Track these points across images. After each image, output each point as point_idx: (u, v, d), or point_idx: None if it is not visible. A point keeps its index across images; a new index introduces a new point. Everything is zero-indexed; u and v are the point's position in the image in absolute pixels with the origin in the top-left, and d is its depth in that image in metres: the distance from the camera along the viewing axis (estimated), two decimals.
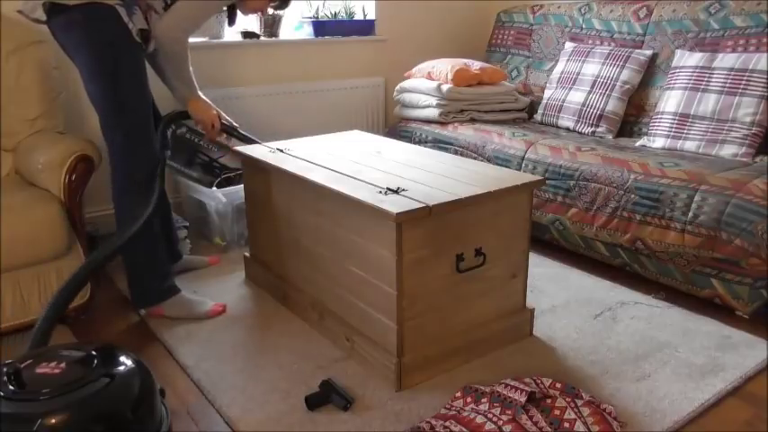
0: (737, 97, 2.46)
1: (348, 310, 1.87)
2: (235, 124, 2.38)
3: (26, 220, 1.92)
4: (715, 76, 2.55)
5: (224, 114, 2.34)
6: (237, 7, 2.19)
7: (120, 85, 1.93)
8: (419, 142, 3.18)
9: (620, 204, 2.31)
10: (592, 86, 3.00)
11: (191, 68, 2.16)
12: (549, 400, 1.58)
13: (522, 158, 2.70)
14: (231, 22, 2.27)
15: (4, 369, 1.34)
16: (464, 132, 3.04)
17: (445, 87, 3.14)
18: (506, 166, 2.66)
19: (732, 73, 2.50)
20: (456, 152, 2.98)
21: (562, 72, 3.18)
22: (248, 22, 3.25)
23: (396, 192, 1.69)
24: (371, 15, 3.63)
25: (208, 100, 2.29)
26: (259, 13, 2.26)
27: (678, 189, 2.16)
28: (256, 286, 2.37)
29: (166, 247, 2.40)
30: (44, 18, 1.94)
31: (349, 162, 2.03)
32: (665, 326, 2.05)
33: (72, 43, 1.94)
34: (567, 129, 3.07)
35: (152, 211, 2.03)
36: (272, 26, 3.25)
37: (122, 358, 1.44)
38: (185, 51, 2.09)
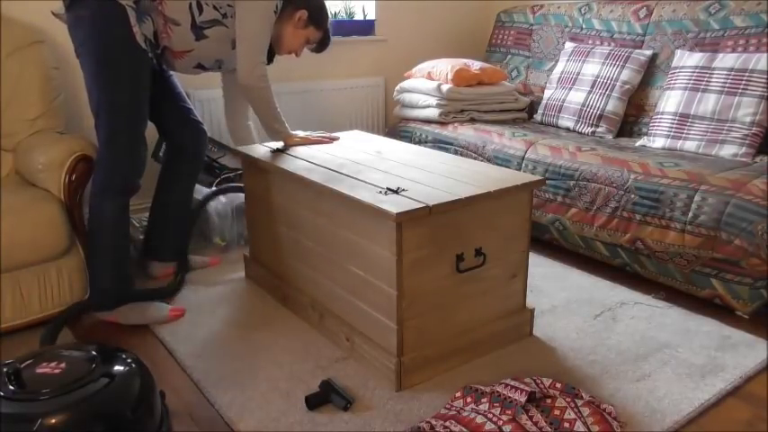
0: (737, 97, 2.46)
1: (348, 310, 1.87)
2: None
3: (26, 221, 1.92)
4: (715, 76, 2.55)
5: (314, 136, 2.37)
6: (273, 47, 2.18)
7: (112, 85, 1.92)
8: (419, 142, 3.18)
9: (620, 204, 2.31)
10: (592, 86, 3.00)
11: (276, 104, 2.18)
12: (549, 400, 1.58)
13: (522, 158, 2.70)
14: (269, 60, 2.24)
15: (4, 369, 1.35)
16: (464, 132, 3.04)
17: (445, 87, 3.14)
18: (506, 166, 2.67)
19: (732, 73, 2.50)
20: (456, 152, 2.98)
21: (562, 72, 3.18)
22: None
23: (396, 192, 1.69)
24: (371, 15, 3.63)
25: (301, 133, 2.34)
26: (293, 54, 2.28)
27: (678, 189, 2.16)
28: (256, 286, 2.37)
29: (158, 246, 2.41)
30: (63, 12, 1.95)
31: (349, 162, 2.03)
32: (665, 326, 2.05)
33: (78, 39, 1.94)
34: (567, 129, 3.07)
35: (128, 221, 2.04)
36: None
37: (122, 358, 1.44)
38: (269, 87, 2.11)
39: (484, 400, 1.59)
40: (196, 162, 2.40)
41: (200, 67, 2.16)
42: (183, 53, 2.06)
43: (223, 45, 2.10)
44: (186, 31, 2.00)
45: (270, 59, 2.20)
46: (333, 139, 2.36)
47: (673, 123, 2.63)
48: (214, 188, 2.49)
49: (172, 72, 2.25)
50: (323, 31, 2.24)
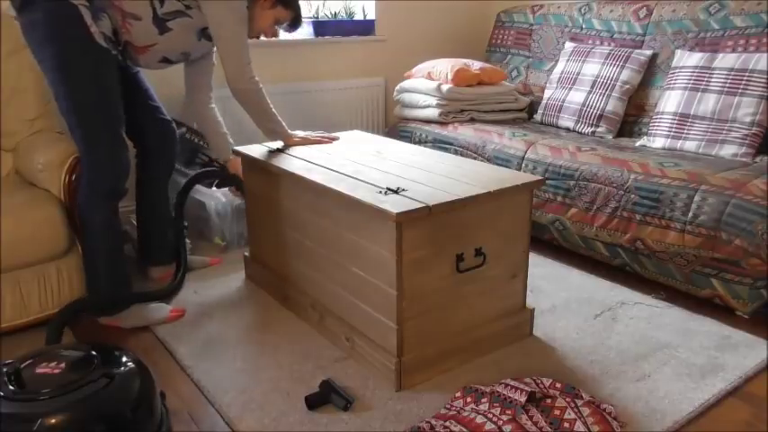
0: (737, 97, 2.46)
1: (348, 311, 1.87)
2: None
3: (26, 220, 1.92)
4: (715, 76, 2.55)
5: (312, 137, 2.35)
6: None
7: (75, 86, 1.87)
8: (419, 142, 3.18)
9: (620, 204, 2.31)
10: (592, 86, 3.00)
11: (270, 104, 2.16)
12: (549, 400, 1.58)
13: (522, 158, 2.70)
14: None
15: (4, 369, 1.35)
16: (464, 132, 3.04)
17: (445, 87, 3.14)
18: (506, 166, 2.66)
19: (732, 73, 2.50)
20: (456, 152, 2.98)
21: (562, 72, 3.18)
22: None
23: (396, 192, 1.69)
24: (371, 15, 3.63)
25: (301, 133, 2.32)
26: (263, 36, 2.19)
27: (678, 189, 2.16)
28: (256, 286, 2.37)
29: (144, 250, 2.40)
30: (14, 14, 1.90)
31: (349, 162, 2.03)
32: (665, 326, 2.05)
33: (35, 43, 1.89)
34: (567, 129, 3.07)
35: (118, 224, 2.02)
36: None
37: (122, 358, 1.44)
38: (261, 89, 2.10)
39: (484, 400, 1.59)
40: (170, 161, 2.35)
41: (166, 61, 2.10)
42: (146, 48, 2.00)
43: (189, 36, 2.04)
44: (148, 24, 1.94)
45: None
46: (332, 139, 2.36)
47: (673, 123, 2.62)
48: (189, 179, 2.43)
49: (138, 68, 2.20)
50: (292, 10, 2.16)
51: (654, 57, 2.93)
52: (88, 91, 1.89)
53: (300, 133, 2.32)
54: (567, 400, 1.58)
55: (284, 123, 2.25)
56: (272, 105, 2.17)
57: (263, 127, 2.20)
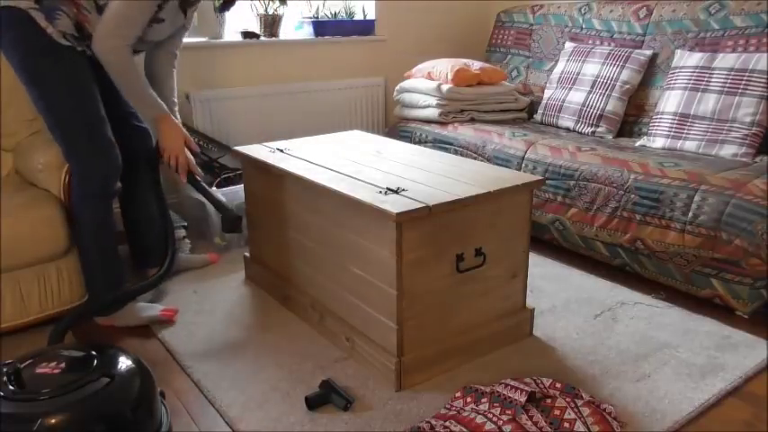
0: (737, 97, 2.46)
1: (348, 311, 1.87)
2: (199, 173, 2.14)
3: (26, 220, 1.92)
4: (715, 76, 2.55)
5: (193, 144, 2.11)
6: None
7: (46, 89, 1.86)
8: (419, 142, 3.18)
9: (620, 204, 2.31)
10: (592, 86, 3.00)
11: (144, 81, 1.96)
12: (549, 400, 1.58)
13: (522, 158, 2.70)
14: (224, 8, 2.12)
15: (4, 369, 1.35)
16: (464, 132, 3.04)
17: (445, 87, 3.13)
18: (506, 166, 2.66)
19: (732, 73, 2.50)
20: (456, 152, 2.98)
21: (562, 72, 3.18)
22: (248, 22, 3.25)
23: (396, 192, 1.69)
24: (371, 15, 3.63)
25: (179, 123, 2.09)
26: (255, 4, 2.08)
27: (678, 189, 2.16)
28: (256, 286, 2.37)
29: (141, 252, 2.37)
30: None
31: (349, 162, 2.03)
32: (665, 326, 2.05)
33: (3, 53, 1.89)
34: (567, 129, 3.07)
35: (112, 224, 1.99)
36: (272, 26, 3.26)
37: (122, 358, 1.44)
38: (127, 62, 1.88)
39: (484, 400, 1.59)
40: (151, 164, 2.22)
41: (133, 52, 1.99)
42: None
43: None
44: (96, 18, 1.88)
45: (225, 7, 2.06)
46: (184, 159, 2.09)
47: (673, 123, 2.62)
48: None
49: None
50: None
51: (654, 57, 2.93)
52: (59, 92, 1.88)
53: (182, 129, 2.09)
54: (567, 400, 1.58)
55: (158, 103, 2.00)
56: (142, 83, 1.96)
57: (132, 102, 1.99)
